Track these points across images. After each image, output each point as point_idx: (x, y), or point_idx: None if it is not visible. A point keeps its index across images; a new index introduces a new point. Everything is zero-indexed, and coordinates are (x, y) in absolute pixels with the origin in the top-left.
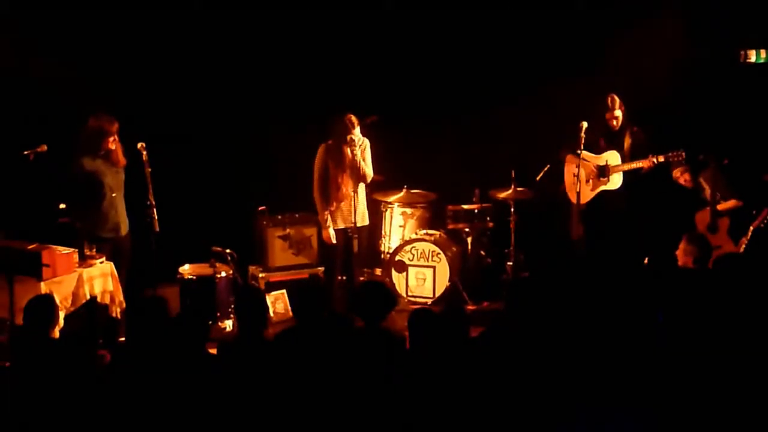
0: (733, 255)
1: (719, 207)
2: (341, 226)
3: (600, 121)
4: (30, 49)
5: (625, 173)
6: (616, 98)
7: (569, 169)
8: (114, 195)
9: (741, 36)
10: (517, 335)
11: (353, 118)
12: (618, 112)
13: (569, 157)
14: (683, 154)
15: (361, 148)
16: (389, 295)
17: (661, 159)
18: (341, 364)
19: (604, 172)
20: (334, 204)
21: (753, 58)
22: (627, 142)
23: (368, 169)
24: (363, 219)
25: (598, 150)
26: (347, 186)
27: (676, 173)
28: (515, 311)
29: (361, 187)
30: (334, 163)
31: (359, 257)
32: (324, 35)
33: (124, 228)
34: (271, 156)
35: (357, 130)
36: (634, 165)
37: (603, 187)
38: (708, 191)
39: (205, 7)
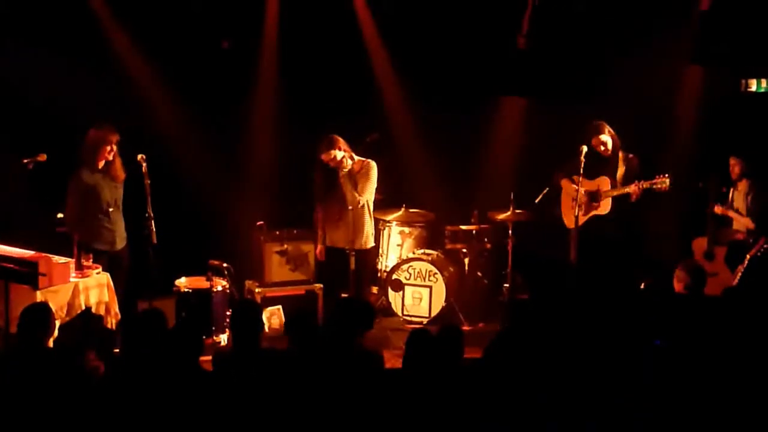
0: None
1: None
2: (329, 244)
3: (590, 146)
4: (35, 58)
5: (615, 199)
6: (604, 124)
7: (565, 193)
8: (111, 210)
9: (742, 65)
10: (515, 357)
11: (332, 140)
12: (605, 137)
13: (564, 182)
14: (668, 180)
15: (361, 171)
16: (365, 312)
17: (647, 185)
18: (322, 383)
19: (595, 197)
20: (321, 222)
21: (754, 87)
22: (621, 169)
23: (351, 194)
24: (361, 242)
25: (590, 175)
26: (330, 206)
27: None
28: (513, 333)
29: (362, 209)
30: (318, 180)
31: (361, 278)
32: (325, 52)
33: (121, 243)
34: (270, 171)
35: (336, 153)
36: (623, 191)
37: (594, 212)
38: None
39: (206, 16)
